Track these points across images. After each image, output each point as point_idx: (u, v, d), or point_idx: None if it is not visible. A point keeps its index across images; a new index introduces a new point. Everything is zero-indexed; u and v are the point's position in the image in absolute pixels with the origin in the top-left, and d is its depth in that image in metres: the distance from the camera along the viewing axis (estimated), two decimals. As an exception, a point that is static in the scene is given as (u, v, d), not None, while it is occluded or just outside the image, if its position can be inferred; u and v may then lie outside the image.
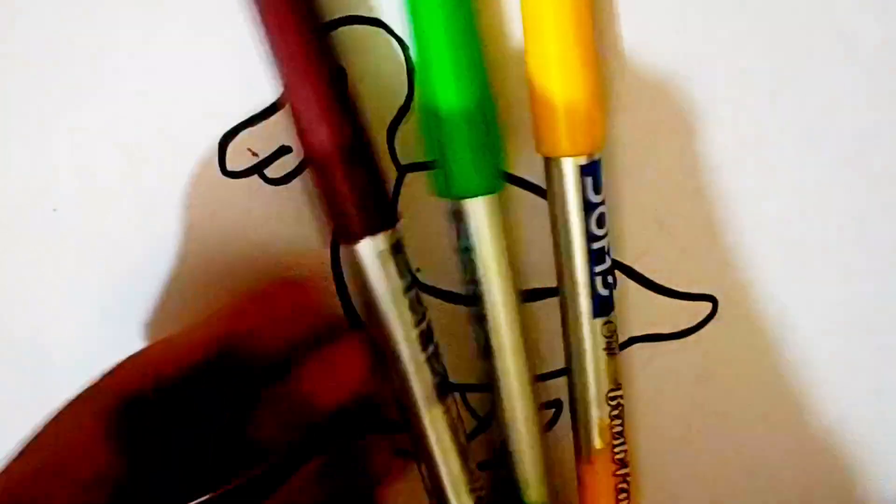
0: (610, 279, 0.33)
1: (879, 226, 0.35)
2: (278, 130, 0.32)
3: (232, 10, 0.31)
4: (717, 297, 0.35)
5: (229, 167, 0.33)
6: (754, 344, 0.35)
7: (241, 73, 0.32)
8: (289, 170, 0.33)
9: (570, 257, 0.32)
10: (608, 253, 0.32)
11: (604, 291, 0.32)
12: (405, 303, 0.31)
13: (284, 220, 0.33)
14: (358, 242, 0.30)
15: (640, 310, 0.35)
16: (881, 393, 0.36)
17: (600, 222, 0.32)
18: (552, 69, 0.30)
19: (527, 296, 0.34)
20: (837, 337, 0.36)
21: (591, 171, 0.31)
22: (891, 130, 0.34)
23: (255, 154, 0.33)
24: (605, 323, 0.33)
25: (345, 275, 0.34)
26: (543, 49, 0.30)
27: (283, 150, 0.33)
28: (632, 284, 0.35)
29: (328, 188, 0.30)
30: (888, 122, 0.34)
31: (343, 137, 0.29)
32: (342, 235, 0.31)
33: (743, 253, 0.35)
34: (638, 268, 0.35)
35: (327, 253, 0.34)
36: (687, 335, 0.35)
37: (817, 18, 0.32)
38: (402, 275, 0.31)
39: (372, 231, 0.30)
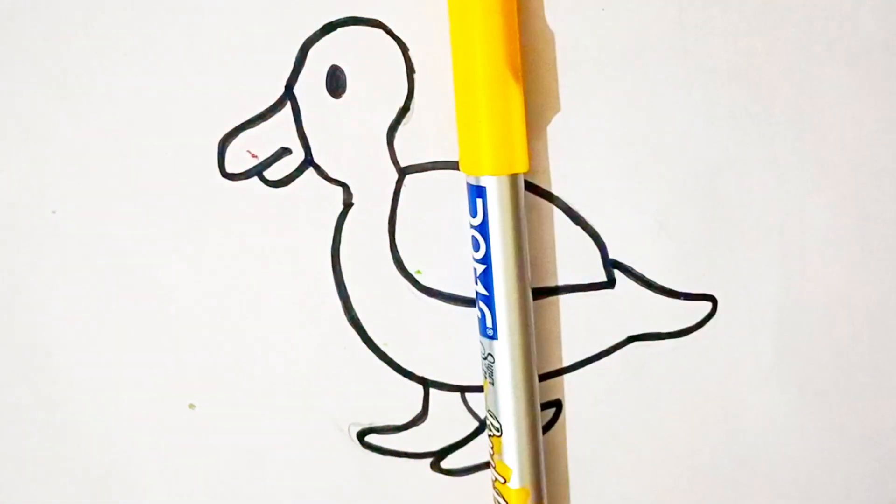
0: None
1: (880, 225, 0.35)
2: (278, 132, 0.32)
3: (232, 10, 0.31)
4: (717, 297, 0.35)
5: (228, 169, 0.33)
6: (754, 344, 0.36)
7: (241, 74, 0.32)
8: (289, 172, 0.33)
9: None
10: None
11: None
12: None
13: (284, 222, 0.33)
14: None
15: (640, 310, 0.35)
16: (881, 392, 0.36)
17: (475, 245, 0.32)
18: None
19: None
20: (837, 337, 0.36)
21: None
22: (886, 132, 0.34)
23: (254, 156, 0.33)
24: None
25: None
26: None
27: (283, 152, 0.33)
28: (632, 284, 0.35)
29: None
30: (888, 123, 0.34)
31: None
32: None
33: (743, 253, 0.35)
34: (638, 268, 0.35)
35: (327, 255, 0.34)
36: (687, 335, 0.35)
37: (809, 14, 0.32)
38: None
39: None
